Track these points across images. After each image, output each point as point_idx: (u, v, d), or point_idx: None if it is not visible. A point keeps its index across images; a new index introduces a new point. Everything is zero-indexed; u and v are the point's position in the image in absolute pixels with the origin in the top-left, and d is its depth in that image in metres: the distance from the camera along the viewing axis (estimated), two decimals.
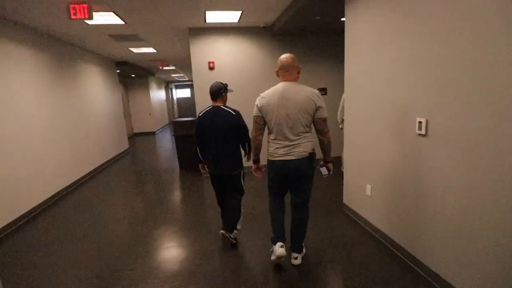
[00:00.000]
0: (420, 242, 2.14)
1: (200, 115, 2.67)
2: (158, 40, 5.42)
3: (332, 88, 5.30)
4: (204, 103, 4.35)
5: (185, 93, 18.89)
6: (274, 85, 2.17)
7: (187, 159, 5.60)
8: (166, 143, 9.58)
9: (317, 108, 2.05)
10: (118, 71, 8.05)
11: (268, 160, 2.24)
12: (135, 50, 6.22)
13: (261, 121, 2.18)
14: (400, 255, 2.37)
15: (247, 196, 3.13)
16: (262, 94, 2.17)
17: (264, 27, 4.77)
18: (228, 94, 2.74)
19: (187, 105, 18.56)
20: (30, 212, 3.71)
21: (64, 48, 4.99)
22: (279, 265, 2.36)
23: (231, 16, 4.11)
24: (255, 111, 2.18)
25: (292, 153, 2.09)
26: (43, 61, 4.30)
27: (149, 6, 3.47)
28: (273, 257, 2.29)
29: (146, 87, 11.55)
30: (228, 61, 4.88)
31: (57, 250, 2.81)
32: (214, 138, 2.59)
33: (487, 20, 1.50)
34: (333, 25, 4.41)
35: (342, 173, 4.58)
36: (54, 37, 4.61)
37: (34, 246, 2.93)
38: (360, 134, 2.88)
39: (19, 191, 3.58)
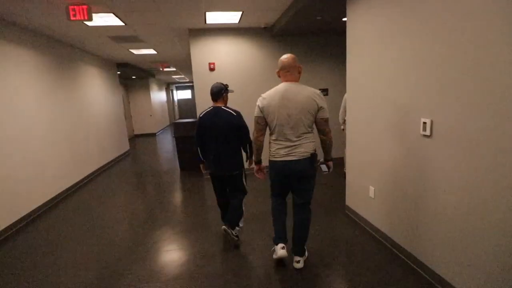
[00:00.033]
0: (422, 243, 2.11)
1: (201, 115, 2.67)
2: (158, 41, 5.41)
3: (334, 88, 5.27)
4: (204, 104, 4.33)
5: (186, 94, 18.90)
6: (275, 86, 2.17)
7: (188, 161, 5.58)
8: (166, 144, 9.57)
9: (319, 109, 2.05)
10: (118, 72, 8.05)
11: (270, 161, 2.23)
12: (135, 51, 6.21)
13: (263, 122, 2.17)
14: (403, 257, 2.34)
15: (249, 197, 3.13)
16: (263, 95, 2.16)
17: (264, 27, 4.75)
18: (229, 94, 2.75)
19: (188, 107, 18.56)
20: (30, 214, 3.69)
21: (64, 49, 4.98)
22: (281, 264, 2.37)
23: (232, 17, 4.09)
24: (256, 112, 2.18)
25: (293, 154, 2.08)
26: (43, 62, 4.29)
27: (149, 7, 3.45)
28: (275, 256, 2.34)
29: (146, 88, 11.55)
30: (229, 62, 4.86)
31: (57, 252, 2.79)
32: (215, 139, 2.59)
33: (488, 20, 1.49)
34: (334, 25, 4.39)
35: (344, 174, 4.56)
36: (54, 38, 4.60)
37: (35, 248, 2.91)
38: (362, 134, 2.85)
39: (19, 193, 3.56)
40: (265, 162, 2.33)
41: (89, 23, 3.92)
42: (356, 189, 3.06)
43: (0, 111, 3.34)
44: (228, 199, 2.87)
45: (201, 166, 2.83)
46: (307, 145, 2.09)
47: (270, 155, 2.21)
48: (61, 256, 2.73)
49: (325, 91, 5.23)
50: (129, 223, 3.41)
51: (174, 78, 13.78)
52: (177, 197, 4.33)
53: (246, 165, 2.78)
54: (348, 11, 2.89)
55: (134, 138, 11.27)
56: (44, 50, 4.34)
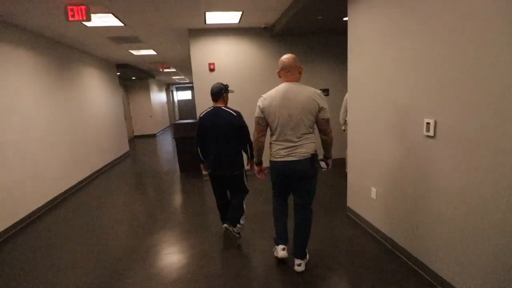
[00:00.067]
0: (423, 244, 2.09)
1: (201, 116, 2.67)
2: (157, 42, 5.38)
3: (334, 88, 5.25)
4: (204, 104, 4.30)
5: (186, 95, 18.89)
6: (275, 86, 2.16)
7: (188, 162, 5.55)
8: (166, 145, 9.54)
9: (320, 109, 2.03)
10: (118, 73, 8.03)
11: (270, 161, 2.22)
12: (135, 52, 6.19)
13: (263, 122, 2.16)
14: (404, 258, 2.31)
15: (250, 197, 3.12)
16: (264, 95, 2.15)
17: (265, 27, 4.72)
18: (229, 95, 2.75)
19: (188, 107, 18.54)
20: (29, 215, 3.66)
21: (63, 50, 4.96)
22: (282, 263, 2.37)
23: (232, 17, 4.06)
24: (257, 112, 2.16)
25: (294, 154, 2.07)
26: (42, 63, 4.27)
27: (148, 8, 3.43)
28: (275, 254, 2.41)
29: (146, 89, 11.53)
30: (229, 62, 4.83)
31: (57, 254, 2.76)
32: (215, 139, 2.59)
33: (488, 20, 1.48)
34: (334, 25, 4.36)
35: (345, 174, 4.53)
36: (53, 39, 4.58)
37: (34, 249, 2.88)
38: (364, 134, 2.82)
39: (18, 194, 3.54)
40: (265, 163, 2.32)
41: (88, 24, 3.90)
42: (357, 190, 3.03)
43: None
44: (228, 201, 2.87)
45: (202, 165, 2.83)
46: (308, 146, 2.08)
47: (271, 155, 2.20)
48: (61, 257, 2.71)
49: (325, 91, 5.20)
50: (129, 225, 3.38)
51: (174, 79, 13.77)
52: (177, 198, 4.30)
53: (246, 164, 2.77)
54: (349, 11, 2.86)
55: (134, 139, 11.25)
56: (43, 51, 4.32)
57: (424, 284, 2.03)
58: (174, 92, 18.05)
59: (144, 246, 2.83)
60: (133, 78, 10.62)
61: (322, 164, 2.26)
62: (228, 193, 2.88)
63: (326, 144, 2.16)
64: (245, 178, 2.78)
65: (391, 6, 2.23)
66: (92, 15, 3.49)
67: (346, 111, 4.28)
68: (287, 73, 2.10)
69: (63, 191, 4.51)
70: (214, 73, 4.80)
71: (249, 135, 2.64)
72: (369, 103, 2.66)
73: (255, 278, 2.26)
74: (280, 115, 2.05)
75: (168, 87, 16.25)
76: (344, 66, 3.07)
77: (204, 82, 4.74)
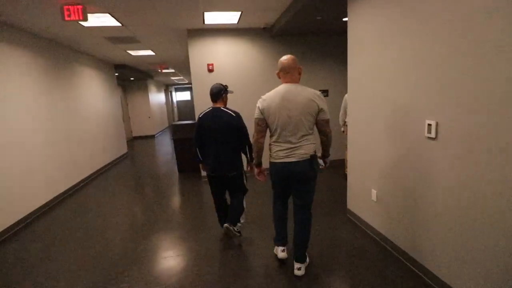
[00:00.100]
0: (425, 248, 2.05)
1: (200, 116, 2.66)
2: (156, 42, 5.35)
3: (334, 89, 5.22)
4: (203, 105, 4.27)
5: (185, 96, 18.83)
6: (274, 87, 2.14)
7: (186, 163, 5.52)
8: (165, 146, 9.49)
9: (320, 110, 2.02)
10: (116, 74, 7.98)
11: (270, 163, 2.21)
12: (133, 52, 6.15)
13: (263, 124, 2.14)
14: (405, 261, 2.28)
15: (250, 198, 3.12)
16: (264, 96, 2.14)
17: (264, 28, 4.69)
18: (228, 95, 2.74)
19: (187, 108, 18.47)
20: (26, 218, 3.62)
21: (60, 50, 4.91)
22: (282, 265, 2.38)
23: (231, 17, 4.03)
24: (256, 114, 2.15)
25: (293, 155, 2.05)
26: (38, 63, 4.22)
27: (146, 7, 3.39)
28: (275, 252, 2.47)
29: (145, 90, 11.48)
30: (228, 63, 4.80)
31: (53, 257, 2.71)
32: (214, 140, 2.59)
33: (489, 19, 1.47)
34: (334, 26, 4.34)
35: (345, 175, 4.49)
36: (50, 39, 4.54)
37: (30, 252, 2.83)
38: (364, 135, 2.79)
39: (14, 196, 3.49)
40: (265, 164, 2.31)
41: (85, 24, 3.86)
42: (357, 192, 2.99)
43: None
44: (226, 204, 2.87)
45: (201, 165, 2.83)
46: (307, 147, 2.06)
47: (271, 156, 2.19)
48: (56, 260, 2.66)
49: (325, 92, 5.17)
50: (127, 227, 3.34)
51: (173, 80, 13.73)
52: (175, 200, 4.26)
53: (246, 168, 2.77)
54: (349, 11, 2.83)
55: (132, 140, 11.20)
56: (40, 51, 4.27)
57: (424, 287, 2.01)
58: (173, 93, 17.99)
59: (142, 249, 2.79)
60: (132, 78, 10.58)
61: (320, 162, 2.27)
62: (227, 194, 2.86)
63: (325, 145, 2.17)
64: (244, 178, 2.78)
65: (391, 6, 2.21)
66: (89, 15, 3.45)
67: (345, 113, 4.25)
68: (287, 74, 2.09)
69: (60, 193, 4.46)
70: (213, 73, 4.76)
71: (248, 136, 2.64)
72: (369, 104, 2.63)
73: (255, 281, 2.22)
74: (280, 116, 2.04)
75: (167, 88, 16.20)
76: (344, 66, 3.04)
77: (203, 83, 4.71)
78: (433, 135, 1.86)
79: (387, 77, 2.33)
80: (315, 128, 2.11)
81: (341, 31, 4.52)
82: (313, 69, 5.06)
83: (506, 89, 1.41)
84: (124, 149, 7.91)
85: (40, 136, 4.10)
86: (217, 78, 4.63)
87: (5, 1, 2.92)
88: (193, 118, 6.32)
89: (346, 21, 2.93)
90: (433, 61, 1.83)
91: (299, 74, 2.13)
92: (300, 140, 2.04)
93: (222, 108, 2.61)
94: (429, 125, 1.88)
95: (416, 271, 2.17)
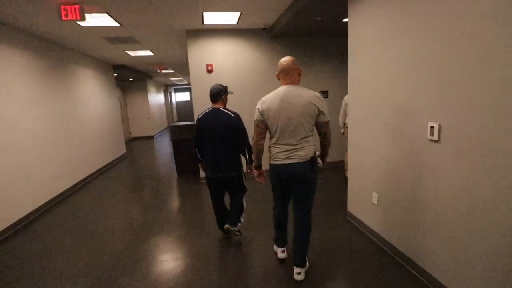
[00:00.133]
0: (427, 251, 2.01)
1: (199, 116, 2.66)
2: (155, 43, 5.31)
3: (334, 91, 5.18)
4: (202, 106, 4.24)
5: (184, 96, 18.79)
6: (274, 88, 2.13)
7: (185, 164, 5.47)
8: (164, 147, 9.44)
9: (319, 112, 2.01)
10: (115, 74, 7.94)
11: (270, 164, 2.20)
12: (131, 53, 6.11)
13: (263, 125, 2.13)
14: (407, 266, 2.24)
15: (250, 198, 3.10)
16: (263, 98, 2.12)
17: (264, 28, 4.66)
18: (228, 96, 2.74)
19: (186, 109, 18.44)
20: (21, 220, 3.57)
21: (58, 50, 4.87)
22: (281, 267, 2.38)
23: (230, 18, 3.99)
24: (256, 115, 2.14)
25: (293, 157, 2.04)
26: (36, 63, 4.17)
27: (144, 7, 3.35)
28: (274, 249, 2.56)
29: (144, 90, 11.43)
30: (227, 63, 4.76)
31: (47, 261, 2.66)
32: (213, 140, 2.58)
33: (489, 20, 1.45)
34: (334, 26, 4.30)
35: (345, 177, 4.46)
36: (47, 39, 4.49)
37: (24, 256, 2.78)
38: (365, 138, 2.75)
39: (10, 198, 3.44)
40: (265, 166, 2.29)
41: (82, 24, 3.82)
42: (358, 195, 2.95)
43: None
44: (225, 206, 2.86)
45: (200, 165, 2.82)
46: (307, 148, 2.05)
47: (270, 158, 2.17)
48: (51, 265, 2.61)
49: (325, 93, 5.13)
50: (124, 229, 3.29)
51: (172, 80, 13.69)
52: (174, 202, 4.21)
53: (245, 169, 2.76)
54: (349, 11, 2.80)
55: (131, 141, 11.15)
56: (38, 51, 4.23)
57: None
58: (172, 94, 17.95)
59: (139, 252, 2.74)
60: (131, 79, 10.53)
61: (318, 160, 2.26)
62: (225, 196, 2.84)
63: (325, 145, 2.18)
64: (244, 178, 2.78)
65: (391, 6, 2.18)
66: (87, 15, 3.42)
67: (345, 114, 4.21)
68: (286, 75, 2.08)
69: (56, 194, 4.41)
70: (212, 74, 4.72)
71: (247, 137, 2.63)
72: (370, 105, 2.60)
73: (254, 282, 2.20)
74: (280, 118, 2.02)
75: (166, 88, 16.16)
76: (344, 67, 3.01)
77: (202, 84, 4.67)
78: (435, 137, 1.83)
79: (388, 77, 2.30)
80: (314, 129, 2.10)
81: (341, 32, 4.49)
82: (312, 70, 5.03)
83: (506, 89, 1.38)
84: (122, 150, 7.85)
85: (36, 136, 4.05)
86: (216, 79, 4.60)
87: (4, 1, 2.89)
88: (193, 119, 6.29)
89: (346, 22, 2.90)
90: (435, 61, 1.81)
91: (299, 75, 2.13)
92: (300, 142, 2.03)
93: (221, 109, 2.61)
94: (432, 127, 1.84)
95: (418, 275, 2.13)
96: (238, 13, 3.81)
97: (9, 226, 3.35)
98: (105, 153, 6.53)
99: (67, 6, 3.01)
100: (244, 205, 2.83)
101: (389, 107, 2.31)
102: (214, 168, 2.61)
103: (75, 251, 2.83)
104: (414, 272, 2.18)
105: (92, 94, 6.15)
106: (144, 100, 11.51)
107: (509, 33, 1.36)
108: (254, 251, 2.67)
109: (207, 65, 4.68)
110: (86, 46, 5.28)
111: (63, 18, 3.06)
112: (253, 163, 2.36)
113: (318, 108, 1.99)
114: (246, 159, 2.70)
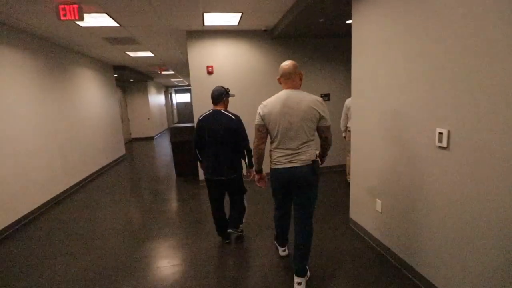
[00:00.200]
0: (434, 263, 1.93)
1: (200, 118, 2.65)
2: (155, 44, 5.25)
3: (335, 93, 5.10)
4: (202, 108, 4.17)
5: (185, 97, 18.76)
6: (275, 90, 2.11)
7: (184, 167, 5.40)
8: (164, 148, 9.38)
9: (321, 117, 2.00)
10: (115, 75, 7.88)
11: (271, 169, 2.16)
12: (132, 54, 6.06)
13: (264, 130, 2.10)
14: (412, 277, 2.16)
15: (250, 198, 3.06)
16: (264, 102, 2.09)
17: (265, 30, 4.60)
18: (229, 98, 2.73)
19: (187, 110, 18.40)
20: (18, 221, 3.51)
21: (58, 50, 4.81)
22: (282, 268, 2.39)
23: (231, 19, 3.94)
24: (257, 120, 2.11)
25: (294, 161, 2.01)
26: (35, 64, 4.11)
27: (144, 8, 3.30)
28: (275, 243, 2.68)
29: (144, 91, 11.39)
30: (228, 65, 4.70)
31: (39, 269, 2.58)
32: (213, 142, 2.57)
33: (506, 16, 1.37)
34: (336, 28, 4.24)
35: (346, 182, 4.38)
36: (46, 39, 4.44)
37: (18, 260, 2.71)
38: (368, 143, 2.68)
39: (7, 199, 3.38)
40: (265, 170, 2.25)
41: (82, 24, 3.76)
42: (361, 201, 2.88)
43: None
44: (225, 213, 2.82)
45: (200, 165, 2.80)
46: (309, 153, 2.02)
47: (271, 163, 2.14)
48: (43, 272, 2.53)
49: (326, 96, 5.06)
50: (121, 233, 3.21)
51: (173, 82, 13.65)
52: (172, 205, 4.13)
53: (245, 173, 2.73)
54: (353, 12, 2.74)
55: (131, 142, 11.09)
56: (37, 51, 4.17)
57: None
58: (173, 95, 17.92)
59: (137, 256, 2.67)
60: (131, 80, 10.49)
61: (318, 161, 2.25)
62: (225, 199, 2.80)
63: (325, 149, 2.19)
64: (243, 179, 2.79)
65: (398, 6, 2.11)
66: (86, 15, 3.36)
67: (346, 118, 4.15)
68: (288, 79, 2.06)
69: (52, 197, 4.33)
70: (212, 76, 4.66)
71: (247, 140, 2.61)
72: (374, 109, 2.53)
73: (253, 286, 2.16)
74: (281, 122, 2.00)
75: (167, 89, 16.12)
76: (346, 70, 2.95)
77: (202, 85, 4.61)
78: (444, 144, 1.75)
79: (394, 80, 2.23)
80: (316, 133, 2.08)
81: (344, 33, 4.44)
82: (314, 73, 4.96)
83: None
84: (121, 151, 7.79)
85: (34, 137, 3.99)
86: (217, 80, 4.54)
87: (4, 1, 2.84)
88: (193, 121, 6.23)
89: (348, 24, 2.84)
90: (443, 63, 1.73)
91: (300, 79, 2.12)
92: (301, 147, 2.01)
93: (222, 111, 2.61)
94: (440, 133, 1.77)
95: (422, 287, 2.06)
96: (239, 14, 3.75)
97: (6, 227, 3.30)
98: (103, 154, 6.46)
99: (65, 6, 2.95)
100: (245, 206, 2.84)
101: (394, 111, 2.24)
102: (215, 170, 2.59)
103: (68, 258, 2.75)
104: (421, 286, 2.10)
105: (91, 94, 6.09)
106: (144, 101, 11.46)
107: None
108: (253, 258, 2.60)
109: (208, 67, 4.63)
110: (85, 47, 5.22)
111: (62, 18, 3.00)
112: (254, 168, 2.34)
113: (319, 113, 1.98)
114: (245, 162, 2.67)
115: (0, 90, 3.40)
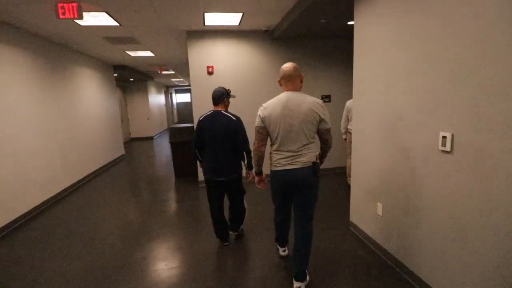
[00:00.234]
0: (436, 269, 1.90)
1: (200, 118, 2.64)
2: (155, 43, 5.22)
3: (337, 94, 5.07)
4: (202, 108, 4.13)
5: (185, 97, 18.73)
6: (275, 90, 2.11)
7: (184, 167, 5.36)
8: (163, 148, 9.35)
9: (321, 120, 1.98)
10: (115, 75, 7.85)
11: (271, 171, 2.14)
12: (132, 53, 6.03)
13: (264, 132, 2.09)
14: (413, 282, 2.12)
15: (250, 198, 3.06)
16: (265, 104, 2.08)
17: (266, 30, 4.57)
18: (229, 99, 2.72)
19: (187, 110, 18.36)
20: (16, 220, 3.48)
21: (57, 49, 4.78)
22: (282, 269, 2.37)
23: (231, 19, 3.91)
24: (257, 122, 2.09)
25: (295, 163, 2.00)
26: (35, 63, 4.09)
27: (144, 7, 3.27)
28: (275, 242, 2.71)
29: (145, 91, 11.36)
30: (228, 65, 4.67)
31: (34, 271, 2.54)
32: (214, 143, 2.56)
33: (497, 21, 1.37)
34: (338, 29, 4.21)
35: (347, 184, 4.35)
36: (46, 38, 4.41)
37: (15, 261, 2.68)
38: (370, 145, 2.65)
39: (5, 199, 3.35)
40: (264, 172, 2.24)
41: (81, 23, 3.73)
42: (361, 204, 2.85)
43: None
44: (224, 216, 2.81)
45: (200, 164, 2.79)
46: (309, 155, 2.00)
47: (272, 165, 2.12)
48: (45, 269, 2.50)
49: (327, 97, 5.03)
50: (119, 235, 3.18)
51: (173, 81, 13.62)
52: (171, 206, 4.10)
53: (245, 174, 2.71)
54: (355, 13, 2.70)
55: (130, 142, 11.06)
56: (37, 51, 4.15)
57: None
58: (173, 95, 17.89)
59: (135, 258, 2.64)
60: (131, 79, 10.46)
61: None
62: (224, 201, 2.78)
63: (325, 151, 2.19)
64: (242, 180, 2.79)
65: (399, 6, 2.08)
66: (86, 14, 3.34)
67: (347, 120, 4.12)
68: (288, 82, 2.05)
69: (52, 195, 4.31)
70: (212, 76, 4.63)
71: (248, 141, 2.59)
72: (376, 111, 2.49)
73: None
74: (281, 125, 1.98)
75: (167, 89, 16.09)
76: (347, 71, 2.91)
77: (202, 86, 4.58)
78: (448, 148, 1.72)
79: (396, 82, 2.19)
80: (316, 136, 2.07)
81: (345, 34, 4.40)
82: (315, 74, 4.93)
83: None
84: (121, 151, 7.76)
85: (34, 136, 3.96)
86: (217, 80, 4.51)
87: (4, 0, 2.82)
88: (193, 121, 6.20)
89: (351, 25, 2.80)
90: (447, 65, 1.70)
91: (301, 81, 2.10)
92: (301, 149, 1.99)
93: (223, 111, 2.61)
94: (444, 137, 1.74)
95: None
96: (240, 15, 3.72)
97: (5, 226, 3.28)
98: (102, 154, 6.43)
99: (64, 4, 2.92)
100: (246, 206, 2.85)
101: (397, 114, 2.21)
102: (215, 171, 2.58)
103: (68, 257, 2.73)
104: (417, 287, 2.07)
105: (91, 94, 6.06)
106: (144, 100, 11.43)
107: None
108: (253, 259, 2.59)
109: (208, 67, 4.60)
110: (85, 46, 5.20)
111: (61, 16, 2.97)
112: (254, 170, 2.32)
113: (320, 115, 1.97)
114: (244, 164, 2.65)
115: (0, 90, 3.37)
